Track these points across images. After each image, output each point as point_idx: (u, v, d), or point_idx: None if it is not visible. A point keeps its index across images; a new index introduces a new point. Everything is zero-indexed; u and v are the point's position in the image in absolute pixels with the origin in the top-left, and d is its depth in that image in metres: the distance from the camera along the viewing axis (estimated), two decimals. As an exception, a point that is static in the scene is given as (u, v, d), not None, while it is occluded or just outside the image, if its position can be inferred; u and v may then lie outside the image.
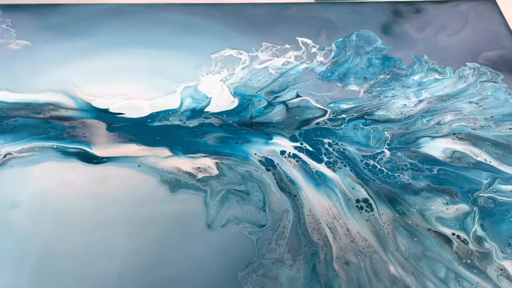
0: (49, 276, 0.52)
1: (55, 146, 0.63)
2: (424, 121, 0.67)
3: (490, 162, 0.63)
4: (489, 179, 0.61)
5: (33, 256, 0.54)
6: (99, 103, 0.69)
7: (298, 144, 0.65)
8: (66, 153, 0.63)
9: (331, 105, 0.69)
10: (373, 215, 0.57)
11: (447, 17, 0.84)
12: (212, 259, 0.54)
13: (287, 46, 0.78)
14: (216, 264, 0.53)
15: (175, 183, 0.60)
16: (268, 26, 0.81)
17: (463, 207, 0.58)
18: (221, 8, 0.84)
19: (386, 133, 0.66)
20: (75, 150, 0.63)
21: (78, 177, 0.61)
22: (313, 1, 0.85)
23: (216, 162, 0.62)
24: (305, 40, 0.79)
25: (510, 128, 0.66)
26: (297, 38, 0.79)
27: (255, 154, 0.63)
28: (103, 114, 0.67)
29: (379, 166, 0.62)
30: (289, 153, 0.64)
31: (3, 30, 0.78)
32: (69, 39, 0.77)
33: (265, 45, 0.78)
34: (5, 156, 0.62)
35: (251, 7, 0.84)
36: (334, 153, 0.63)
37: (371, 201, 0.59)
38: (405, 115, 0.68)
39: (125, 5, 0.83)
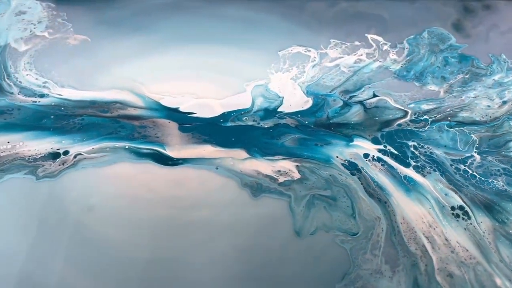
0: (126, 284, 0.49)
1: (127, 147, 0.60)
2: (511, 124, 0.64)
3: None
4: None
5: (109, 263, 0.51)
6: (168, 102, 0.66)
7: (381, 147, 0.61)
8: (139, 154, 0.60)
9: (411, 105, 0.66)
10: (471, 224, 0.54)
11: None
12: (305, 269, 0.50)
13: (356, 43, 0.74)
14: (310, 274, 0.50)
15: (256, 187, 0.57)
16: (330, 22, 0.78)
17: None
18: (281, 3, 0.80)
19: (473, 136, 0.62)
20: (148, 151, 0.60)
21: (153, 180, 0.58)
22: None
23: (297, 165, 0.59)
24: (375, 37, 0.75)
25: None
26: (366, 35, 0.75)
27: (337, 157, 0.60)
28: (174, 114, 0.64)
29: (470, 171, 0.59)
30: (373, 156, 0.60)
31: (59, 24, 0.75)
32: (129, 35, 0.74)
33: (334, 42, 0.74)
34: (75, 156, 0.59)
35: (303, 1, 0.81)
36: (421, 156, 0.60)
37: (467, 208, 0.55)
38: (490, 116, 0.65)
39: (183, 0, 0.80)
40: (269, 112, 0.65)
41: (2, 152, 0.59)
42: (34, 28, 0.74)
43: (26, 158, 0.59)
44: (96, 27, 0.75)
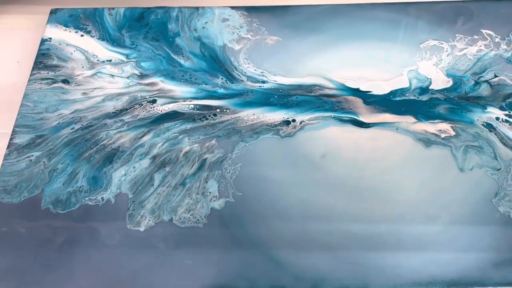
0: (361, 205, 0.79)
1: (332, 116, 0.89)
2: None
3: None
4: None
5: (343, 193, 0.80)
6: (351, 84, 0.94)
7: (506, 112, 0.89)
8: (342, 120, 0.89)
9: (524, 83, 0.93)
10: None
11: None
12: (470, 192, 0.79)
13: (475, 37, 1.01)
14: (473, 195, 0.79)
15: (426, 141, 0.86)
16: (453, 20, 1.04)
17: None
18: (413, 5, 1.06)
19: None
20: (348, 118, 0.89)
21: (357, 137, 0.87)
22: None
23: (451, 126, 0.88)
24: (488, 31, 1.02)
25: None
26: (481, 30, 1.02)
27: (477, 120, 0.88)
28: (357, 92, 0.93)
29: None
30: (502, 119, 0.88)
31: (256, 28, 1.03)
32: (308, 35, 1.02)
33: (458, 36, 1.01)
34: (300, 123, 0.89)
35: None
36: (536, 118, 0.88)
37: None
38: None
39: (339, 5, 1.07)
40: (423, 90, 0.93)
41: (252, 121, 0.89)
42: (239, 32, 1.03)
43: (269, 124, 0.89)
44: (282, 30, 1.03)
